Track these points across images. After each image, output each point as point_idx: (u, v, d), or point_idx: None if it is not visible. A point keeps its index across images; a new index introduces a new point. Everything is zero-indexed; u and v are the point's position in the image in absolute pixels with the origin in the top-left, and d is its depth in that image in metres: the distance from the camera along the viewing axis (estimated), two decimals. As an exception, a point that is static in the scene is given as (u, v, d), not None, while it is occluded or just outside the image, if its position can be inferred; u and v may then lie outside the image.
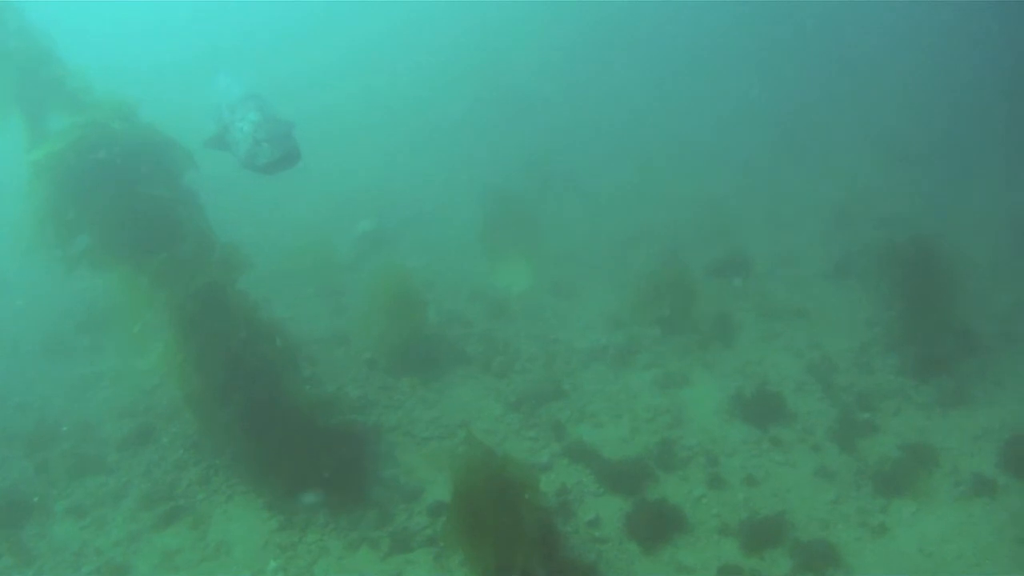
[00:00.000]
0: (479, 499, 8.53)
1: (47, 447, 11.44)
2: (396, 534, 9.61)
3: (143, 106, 10.32)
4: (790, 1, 30.29)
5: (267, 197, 19.32)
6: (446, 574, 9.03)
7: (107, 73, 11.80)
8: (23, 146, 10.67)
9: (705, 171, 21.77)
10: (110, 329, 13.80)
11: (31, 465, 11.12)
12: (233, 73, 10.70)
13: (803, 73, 27.58)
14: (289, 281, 15.76)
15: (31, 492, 10.58)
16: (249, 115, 9.04)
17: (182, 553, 9.53)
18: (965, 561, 9.19)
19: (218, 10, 40.68)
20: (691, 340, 13.62)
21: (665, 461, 10.84)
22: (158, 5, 40.63)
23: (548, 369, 12.94)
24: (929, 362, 12.67)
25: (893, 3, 30.29)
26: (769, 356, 13.35)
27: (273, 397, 10.08)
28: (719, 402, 12.09)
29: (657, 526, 9.67)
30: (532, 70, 28.74)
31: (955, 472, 10.59)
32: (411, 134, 25.47)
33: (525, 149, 22.80)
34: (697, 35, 30.99)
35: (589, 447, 11.04)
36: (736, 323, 14.13)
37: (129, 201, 9.52)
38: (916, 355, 12.80)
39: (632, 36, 31.24)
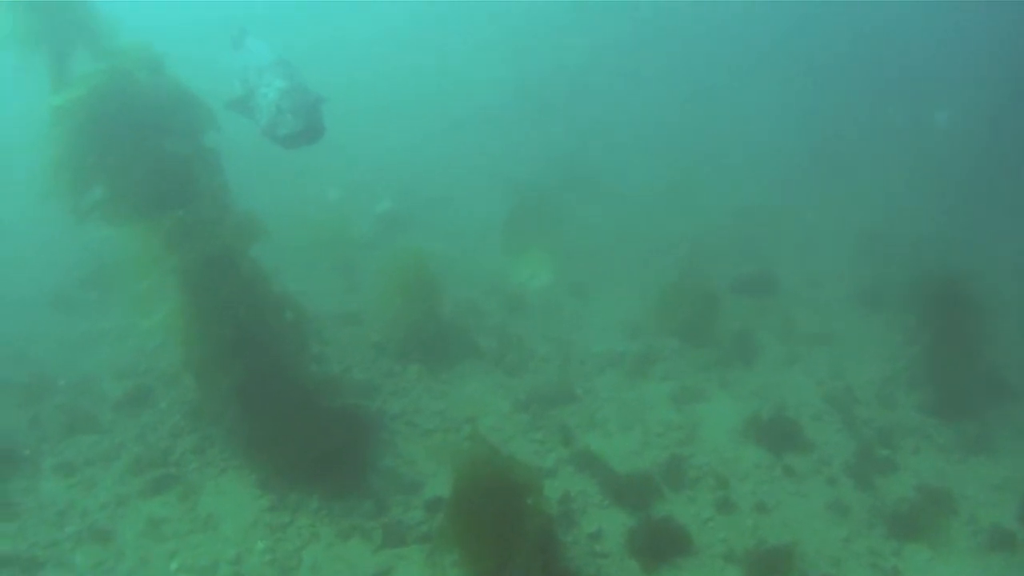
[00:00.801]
0: (480, 499, 8.18)
1: (42, 400, 11.09)
2: (390, 527, 9.24)
3: (169, 61, 9.98)
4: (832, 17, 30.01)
5: (289, 168, 18.95)
6: (438, 573, 8.64)
7: (137, 29, 11.49)
8: (45, 90, 10.30)
9: (737, 182, 21.37)
10: (117, 285, 13.46)
11: (24, 417, 10.76)
12: (264, 35, 10.13)
13: (845, 91, 27.20)
14: (304, 255, 15.39)
15: (22, 445, 10.25)
16: (276, 81, 8.46)
17: (169, 523, 9.18)
18: (981, 617, 8.85)
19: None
20: (710, 356, 13.23)
21: (674, 479, 10.45)
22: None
23: (562, 371, 12.56)
24: (953, 403, 12.30)
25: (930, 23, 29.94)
26: (789, 380, 12.96)
27: (276, 371, 9.74)
28: (734, 423, 11.69)
29: (661, 546, 9.30)
30: (573, 66, 28.44)
31: (973, 521, 10.20)
32: (443, 118, 25.12)
33: (556, 144, 22.47)
34: (738, 42, 30.67)
35: (597, 456, 10.64)
36: (757, 343, 13.73)
37: (148, 155, 9.16)
38: (940, 394, 12.43)
39: (677, 41, 30.89)
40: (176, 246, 9.45)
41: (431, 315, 12.60)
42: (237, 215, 9.67)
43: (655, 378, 12.67)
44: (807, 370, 13.31)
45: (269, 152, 11.38)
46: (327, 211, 17.19)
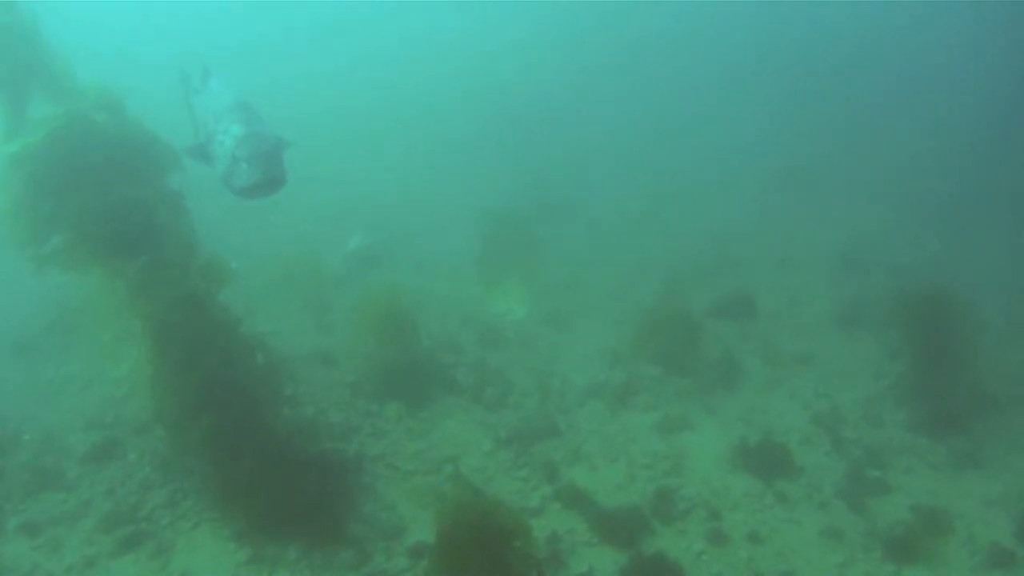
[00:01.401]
0: (465, 545, 7.85)
1: (5, 456, 10.66)
2: (373, 576, 8.90)
3: (131, 98, 9.64)
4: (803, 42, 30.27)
5: (256, 204, 18.61)
6: (425, 623, 8.32)
7: (101, 63, 11.16)
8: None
9: (712, 207, 21.28)
10: (82, 331, 13.07)
11: (-14, 476, 10.36)
12: (224, 75, 9.41)
13: (816, 116, 27.33)
14: (275, 293, 15.05)
15: (-17, 506, 9.84)
16: (232, 128, 7.46)
17: (140, 583, 8.82)
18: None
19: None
20: (693, 382, 12.99)
21: (663, 512, 10.16)
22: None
23: (542, 404, 12.26)
24: (941, 420, 12.14)
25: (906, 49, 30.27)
26: (774, 404, 12.76)
27: (249, 418, 9.38)
28: (721, 450, 11.44)
29: (654, 583, 9.02)
30: (543, 93, 28.40)
31: (971, 540, 9.99)
32: (413, 148, 24.94)
33: (528, 172, 22.28)
34: (711, 69, 30.83)
35: (583, 492, 10.32)
36: (740, 367, 13.51)
37: (108, 200, 8.83)
38: (927, 411, 12.28)
39: (647, 65, 31.02)
40: (141, 293, 9.12)
41: (407, 352, 12.27)
42: (204, 258, 9.34)
43: (638, 408, 12.41)
44: (792, 392, 13.11)
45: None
46: (298, 247, 16.75)
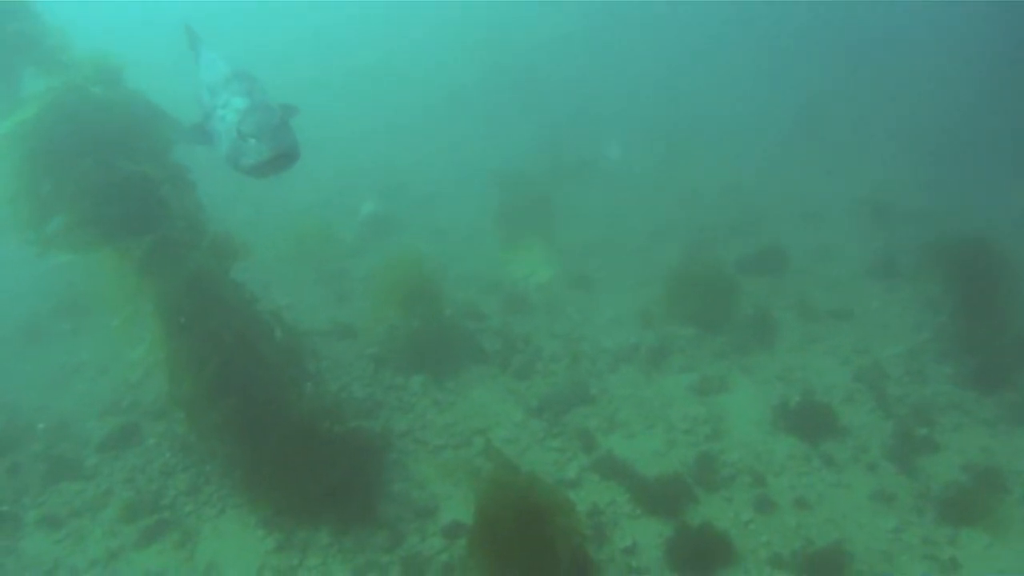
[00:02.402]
0: (505, 525, 7.44)
1: (20, 447, 10.31)
2: (408, 559, 8.49)
3: (131, 69, 9.11)
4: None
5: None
6: (465, 607, 7.94)
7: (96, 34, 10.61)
8: (-6, 114, 9.43)
9: (729, 160, 20.67)
10: (92, 313, 12.66)
11: (1, 468, 9.98)
12: (218, 45, 8.46)
13: (822, 62, 26.62)
14: (288, 266, 14.64)
15: (0, 499, 9.46)
16: (234, 100, 6.65)
17: (167, 575, 8.43)
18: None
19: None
20: (728, 341, 12.50)
21: (706, 479, 9.72)
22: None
23: (573, 370, 11.80)
24: (988, 373, 11.58)
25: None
26: (812, 361, 12.24)
27: (270, 398, 8.96)
28: (761, 412, 10.98)
29: (702, 555, 8.56)
30: (549, 50, 27.73)
31: (1029, 499, 9.52)
32: (419, 111, 24.36)
33: (540, 132, 21.71)
34: (715, 23, 30.09)
35: (621, 461, 9.90)
36: (774, 324, 13.00)
37: (110, 177, 8.33)
38: (973, 365, 11.73)
39: (650, 23, 30.28)
40: (150, 273, 8.66)
41: (430, 320, 11.81)
42: (213, 235, 8.86)
43: (673, 370, 11.94)
44: (830, 349, 12.59)
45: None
46: (310, 217, 16.26)
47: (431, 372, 11.52)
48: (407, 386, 11.31)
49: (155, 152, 8.76)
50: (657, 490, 9.44)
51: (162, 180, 8.58)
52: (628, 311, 13.48)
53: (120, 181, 8.35)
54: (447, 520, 8.96)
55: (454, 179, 19.77)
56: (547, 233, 15.37)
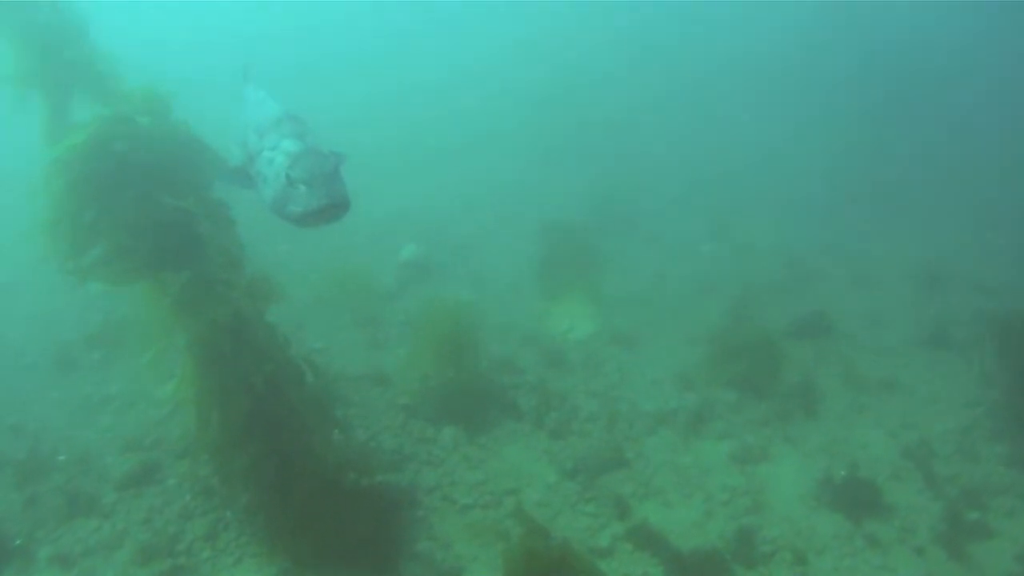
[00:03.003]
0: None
1: (39, 479, 10.03)
2: (430, 625, 8.14)
3: (179, 103, 8.97)
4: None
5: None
6: None
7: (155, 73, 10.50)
8: (42, 137, 9.33)
9: (783, 222, 20.22)
10: (124, 345, 12.47)
11: (20, 499, 9.72)
12: (266, 84, 7.87)
13: (897, 127, 26.27)
14: (323, 308, 14.38)
15: (14, 532, 9.19)
16: (284, 143, 6.10)
17: (178, 626, 8.14)
18: None
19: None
20: (771, 408, 12.05)
21: (744, 555, 9.28)
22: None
23: (609, 432, 11.38)
24: (1045, 456, 11.09)
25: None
26: (858, 434, 11.74)
27: (297, 447, 8.66)
28: (804, 485, 10.52)
29: (738, 639, 8.16)
30: (609, 105, 27.62)
31: (1089, 598, 8.97)
32: (471, 157, 24.28)
33: (588, 184, 21.41)
34: (783, 85, 29.90)
35: (656, 531, 9.48)
36: (820, 392, 12.54)
37: (151, 209, 8.16)
38: (1030, 446, 11.22)
39: (717, 80, 30.17)
40: (184, 311, 8.44)
41: (465, 372, 11.49)
42: (250, 275, 8.63)
43: (713, 436, 11.50)
44: (877, 421, 12.08)
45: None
46: (348, 259, 16.01)
47: (463, 426, 11.17)
48: (438, 439, 10.96)
49: (197, 187, 8.58)
50: (692, 564, 9.04)
51: (203, 216, 8.37)
52: (669, 372, 13.05)
53: (161, 215, 8.15)
54: (472, 584, 8.60)
55: (497, 226, 19.49)
56: (591, 286, 15.02)
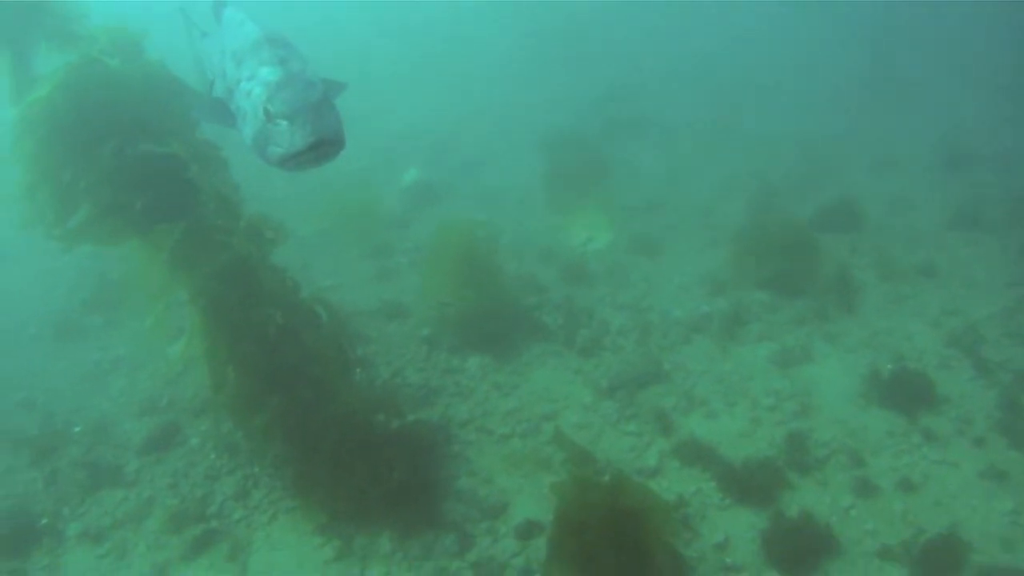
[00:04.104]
0: (592, 530, 6.66)
1: (57, 454, 9.58)
2: (480, 565, 7.74)
3: (151, 42, 8.26)
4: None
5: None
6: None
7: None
8: (7, 95, 8.60)
9: (791, 113, 19.45)
10: (124, 306, 11.95)
11: (40, 476, 9.28)
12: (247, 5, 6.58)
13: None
14: (329, 242, 13.81)
15: (39, 511, 8.78)
16: (262, 71, 5.04)
17: (219, 591, 7.77)
18: None
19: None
20: (807, 306, 11.53)
21: (798, 461, 8.85)
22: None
23: (643, 344, 10.90)
24: (1097, 330, 10.60)
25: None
26: (900, 325, 11.25)
27: (322, 394, 8.18)
28: (851, 383, 10.06)
29: (802, 548, 7.72)
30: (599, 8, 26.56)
31: None
32: (463, 72, 23.37)
33: (588, 89, 20.58)
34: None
35: (704, 444, 9.05)
36: (855, 285, 12.01)
37: (135, 160, 7.54)
38: (1079, 323, 10.73)
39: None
40: (184, 262, 7.88)
41: (486, 295, 10.98)
42: (249, 218, 8.05)
43: (750, 340, 11.02)
44: (918, 310, 11.59)
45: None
46: (349, 189, 15.34)
47: (490, 352, 10.71)
48: (464, 369, 10.50)
49: (181, 130, 7.94)
50: (746, 476, 8.61)
51: (190, 160, 7.74)
52: (696, 276, 12.52)
53: (145, 164, 7.53)
54: (519, 519, 8.19)
55: (499, 141, 18.75)
56: (603, 194, 14.38)
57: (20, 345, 12.19)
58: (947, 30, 23.91)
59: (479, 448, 9.23)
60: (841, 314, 11.50)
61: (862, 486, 8.48)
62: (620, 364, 10.43)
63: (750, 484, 8.50)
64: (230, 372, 8.09)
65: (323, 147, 4.60)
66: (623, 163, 15.97)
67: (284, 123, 4.60)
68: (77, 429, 9.97)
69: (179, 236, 7.72)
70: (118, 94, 7.56)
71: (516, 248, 13.22)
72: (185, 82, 8.07)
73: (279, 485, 8.72)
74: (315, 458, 8.09)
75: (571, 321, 11.26)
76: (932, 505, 8.26)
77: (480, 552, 7.89)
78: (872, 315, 11.51)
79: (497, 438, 9.39)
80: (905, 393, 9.68)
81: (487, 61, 23.85)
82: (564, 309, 11.59)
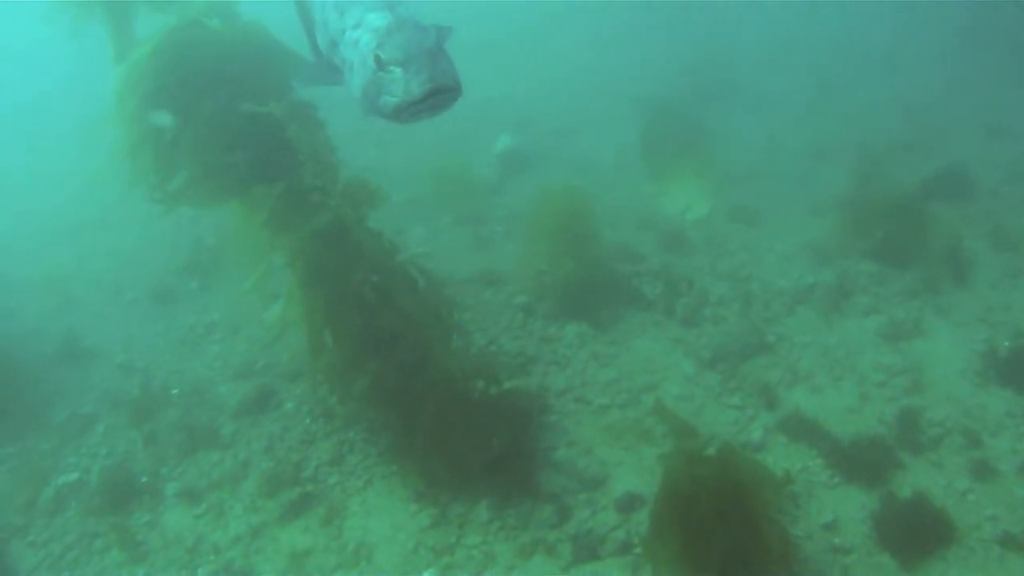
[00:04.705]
0: (700, 505, 6.41)
1: (156, 415, 9.67)
2: (579, 537, 7.55)
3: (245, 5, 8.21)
4: None
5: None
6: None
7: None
8: (110, 60, 8.62)
9: (894, 77, 18.65)
10: (220, 271, 12.03)
11: (140, 437, 9.39)
12: None
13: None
14: (421, 209, 13.65)
15: (139, 470, 8.90)
16: (369, 17, 4.60)
17: (313, 555, 7.73)
18: None
19: None
20: (917, 278, 10.98)
21: (910, 440, 8.42)
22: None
23: (745, 315, 10.52)
24: None
25: None
26: (1018, 300, 10.64)
27: (418, 360, 8.05)
28: (966, 360, 9.54)
29: (916, 532, 7.35)
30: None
31: None
32: (555, 41, 23.03)
33: (681, 56, 20.03)
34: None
35: (810, 419, 8.69)
36: (968, 256, 11.41)
37: (233, 120, 7.47)
38: None
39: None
40: (281, 225, 7.82)
41: (583, 263, 10.74)
42: (347, 180, 7.93)
43: (857, 313, 10.55)
44: (1037, 284, 10.98)
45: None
46: (442, 155, 15.19)
47: (587, 321, 10.45)
48: (562, 337, 10.27)
49: (279, 90, 7.84)
50: (854, 454, 8.25)
51: (288, 120, 7.64)
52: (798, 245, 12.03)
53: (245, 123, 7.46)
54: (619, 491, 7.97)
55: (591, 108, 18.37)
56: (699, 161, 13.94)
57: (119, 310, 12.34)
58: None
59: (577, 419, 9.01)
60: (954, 287, 10.93)
61: (980, 468, 8.03)
62: (722, 335, 10.09)
63: (859, 463, 8.13)
64: (327, 336, 8.03)
65: (441, 94, 4.24)
66: (719, 131, 15.43)
67: (398, 70, 4.23)
68: (175, 391, 10.06)
69: (277, 197, 7.63)
70: (219, 53, 7.49)
71: (612, 216, 12.87)
72: (280, 41, 8.00)
73: (374, 451, 8.65)
74: (413, 424, 7.98)
75: (670, 290, 10.93)
76: (1058, 490, 7.81)
77: (579, 524, 7.70)
78: (986, 288, 10.93)
79: (596, 408, 9.15)
80: (1024, 371, 9.17)
81: (576, 30, 23.43)
82: (663, 278, 11.25)
